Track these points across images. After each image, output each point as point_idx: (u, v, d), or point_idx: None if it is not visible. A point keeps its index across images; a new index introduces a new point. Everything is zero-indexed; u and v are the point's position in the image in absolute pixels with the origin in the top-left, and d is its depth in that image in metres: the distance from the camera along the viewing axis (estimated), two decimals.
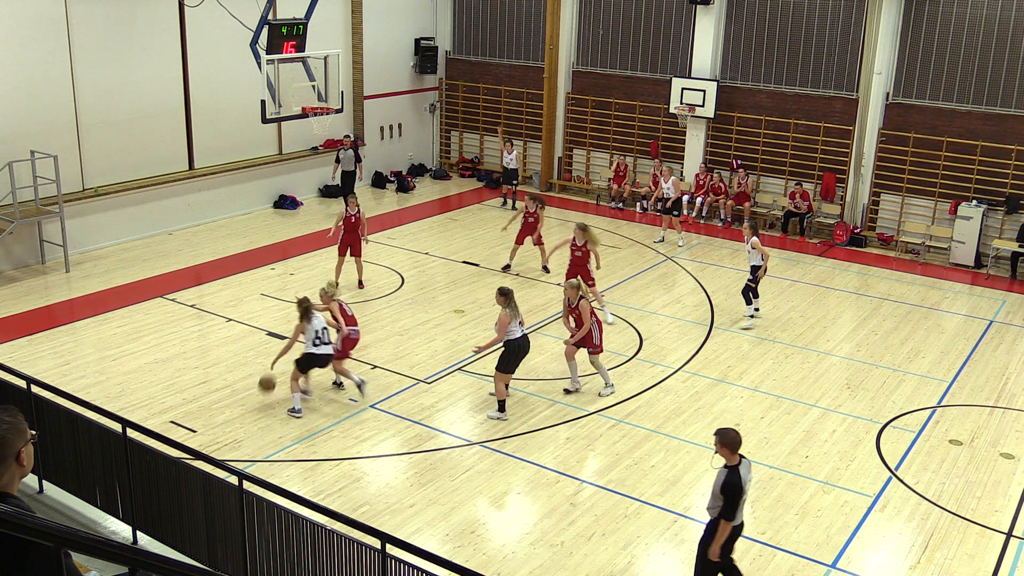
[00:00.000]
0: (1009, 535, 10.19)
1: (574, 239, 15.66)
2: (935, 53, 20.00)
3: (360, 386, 12.65)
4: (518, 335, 12.23)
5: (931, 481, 11.21)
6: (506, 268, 18.21)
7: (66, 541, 3.38)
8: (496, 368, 12.39)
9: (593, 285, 15.59)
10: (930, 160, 20.31)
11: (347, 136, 22.15)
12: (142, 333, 14.79)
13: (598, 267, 15.84)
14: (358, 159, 22.00)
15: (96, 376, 13.20)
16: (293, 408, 12.26)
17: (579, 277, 14.26)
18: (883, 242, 20.93)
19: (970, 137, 19.79)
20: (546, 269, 18.26)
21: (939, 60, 19.98)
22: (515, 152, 22.65)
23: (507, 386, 12.42)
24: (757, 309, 16.04)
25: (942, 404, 13.27)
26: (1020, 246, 18.90)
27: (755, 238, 15.59)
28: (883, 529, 10.24)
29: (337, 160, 21.88)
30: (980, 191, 19.79)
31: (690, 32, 22.66)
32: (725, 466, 8.16)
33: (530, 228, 17.92)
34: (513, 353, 12.23)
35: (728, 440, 8.10)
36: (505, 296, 12.26)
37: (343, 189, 21.66)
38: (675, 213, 20.27)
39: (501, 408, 12.34)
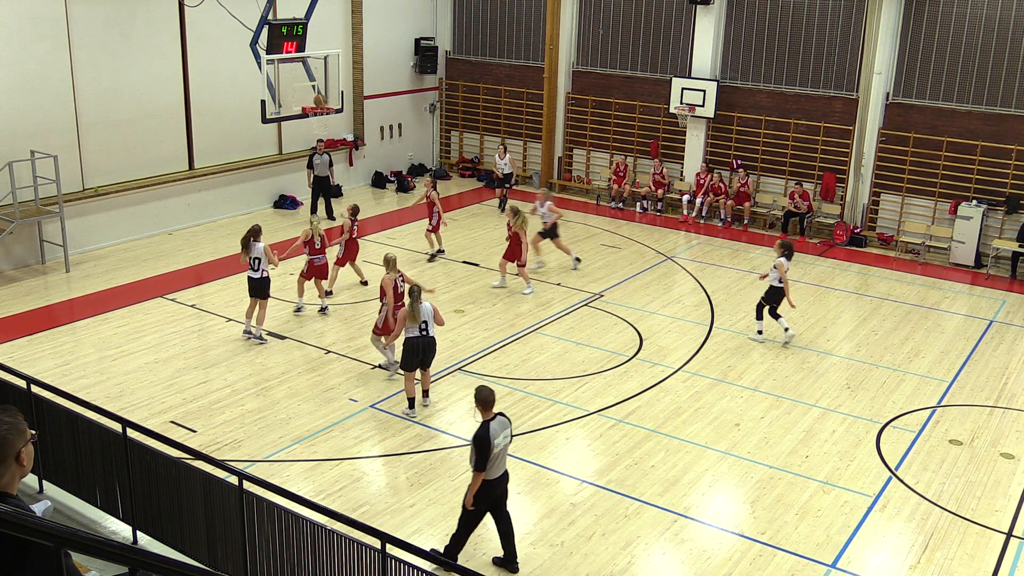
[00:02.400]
0: (1009, 535, 10.19)
1: (508, 223, 17.01)
2: (935, 53, 20.00)
3: (390, 367, 13.16)
4: (415, 335, 12.17)
5: (931, 481, 11.21)
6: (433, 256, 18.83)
7: (66, 541, 3.38)
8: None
9: (523, 265, 17.01)
10: (930, 160, 20.31)
11: (320, 140, 21.91)
12: (142, 333, 14.79)
13: (528, 250, 17.33)
14: (331, 163, 21.48)
15: (96, 376, 13.19)
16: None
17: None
18: (883, 242, 20.93)
19: (970, 137, 19.79)
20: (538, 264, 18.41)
21: (939, 60, 19.98)
22: (508, 156, 22.55)
23: (415, 384, 12.46)
24: (783, 326, 15.21)
25: (942, 404, 13.27)
26: (1020, 246, 18.89)
27: (781, 259, 14.94)
28: (883, 529, 10.24)
29: (310, 165, 21.14)
30: (980, 191, 19.79)
31: (690, 32, 22.66)
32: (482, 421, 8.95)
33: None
34: (409, 352, 12.23)
35: (481, 398, 8.99)
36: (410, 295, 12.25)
37: (317, 195, 21.28)
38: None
39: (410, 406, 12.40)
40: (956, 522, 10.38)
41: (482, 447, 8.74)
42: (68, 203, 17.70)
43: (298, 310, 15.86)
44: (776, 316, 15.23)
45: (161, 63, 19.69)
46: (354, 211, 16.86)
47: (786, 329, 15.12)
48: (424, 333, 12.14)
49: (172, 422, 11.92)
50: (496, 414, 9.02)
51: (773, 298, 15.13)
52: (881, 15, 20.04)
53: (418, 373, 12.38)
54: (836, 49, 21.10)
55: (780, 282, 14.96)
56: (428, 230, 18.96)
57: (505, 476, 9.16)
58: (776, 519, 10.31)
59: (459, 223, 21.80)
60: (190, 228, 20.30)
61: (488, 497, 9.01)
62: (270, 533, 7.64)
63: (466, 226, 21.51)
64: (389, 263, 13.47)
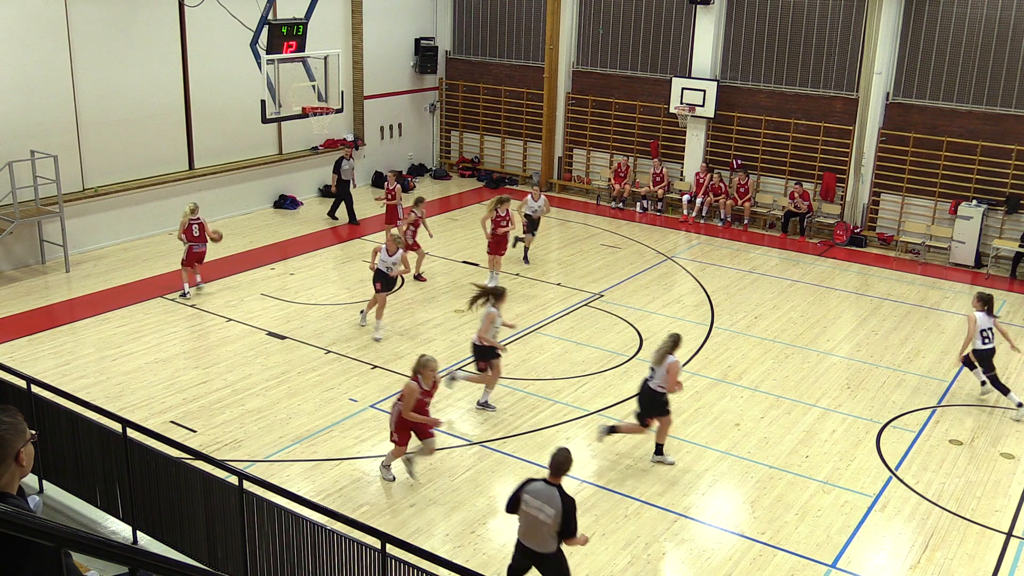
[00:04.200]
0: (1009, 535, 10.19)
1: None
2: (935, 53, 20.00)
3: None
4: None
5: (931, 481, 11.21)
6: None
7: (66, 541, 3.38)
8: None
9: (418, 248, 17.64)
10: (930, 160, 20.30)
11: (346, 145, 21.83)
12: (142, 333, 14.79)
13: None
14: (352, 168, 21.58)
15: (96, 376, 13.19)
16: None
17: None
18: (883, 242, 20.93)
19: (970, 137, 19.78)
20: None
21: (939, 60, 19.98)
22: (543, 198, 19.12)
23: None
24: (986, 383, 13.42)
25: (942, 404, 13.27)
26: (1021, 246, 18.89)
27: (979, 313, 12.96)
28: (883, 529, 10.24)
29: (336, 170, 21.09)
30: (980, 191, 19.79)
31: (690, 32, 22.66)
32: None
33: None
34: None
35: (556, 463, 7.93)
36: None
37: (341, 199, 21.26)
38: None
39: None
40: (956, 522, 10.38)
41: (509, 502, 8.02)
42: (68, 203, 17.70)
43: (183, 295, 16.31)
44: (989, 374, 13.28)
45: (161, 63, 19.69)
46: (418, 202, 17.67)
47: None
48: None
49: (172, 422, 11.92)
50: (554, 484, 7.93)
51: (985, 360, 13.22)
52: (881, 15, 20.04)
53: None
54: (836, 49, 21.10)
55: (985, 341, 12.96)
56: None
57: (526, 549, 8.11)
58: (776, 519, 10.31)
59: (459, 223, 21.81)
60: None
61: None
62: (270, 533, 7.65)
63: (466, 226, 21.50)
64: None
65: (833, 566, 9.53)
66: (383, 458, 10.95)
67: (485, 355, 12.39)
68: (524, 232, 18.77)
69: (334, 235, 20.48)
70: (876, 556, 9.78)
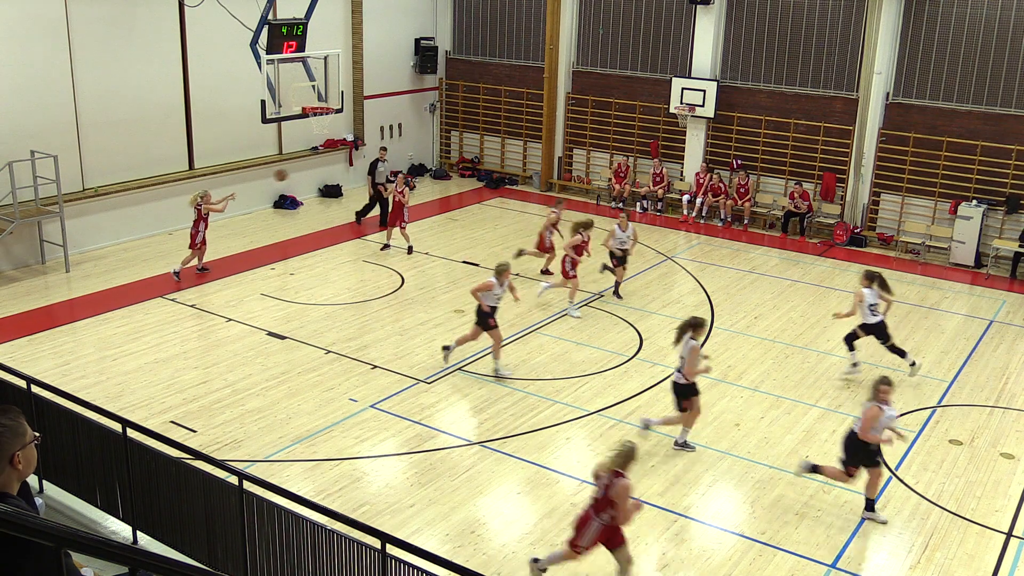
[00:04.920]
0: (1009, 535, 10.19)
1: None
2: (935, 53, 20.00)
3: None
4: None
5: (931, 481, 11.21)
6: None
7: (66, 541, 3.38)
8: None
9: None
10: (930, 160, 20.30)
11: (383, 148, 21.84)
12: (142, 333, 14.79)
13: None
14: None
15: (96, 376, 13.19)
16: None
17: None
18: (883, 242, 20.93)
19: (970, 137, 19.78)
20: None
21: (939, 60, 19.98)
22: (632, 228, 17.15)
23: None
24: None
25: (942, 404, 13.27)
26: (1021, 246, 18.89)
27: (866, 290, 13.65)
28: (883, 529, 10.24)
29: (371, 172, 20.98)
30: (980, 191, 19.79)
31: (690, 32, 22.66)
32: None
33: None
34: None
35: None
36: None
37: (375, 203, 20.93)
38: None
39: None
40: (956, 522, 10.38)
41: None
42: (68, 203, 17.70)
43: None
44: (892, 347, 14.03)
45: (161, 63, 19.69)
46: (559, 202, 18.49)
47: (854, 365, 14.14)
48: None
49: (172, 422, 11.93)
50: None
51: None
52: (881, 15, 20.04)
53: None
54: (836, 49, 21.10)
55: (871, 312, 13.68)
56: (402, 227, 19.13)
57: None
58: (776, 519, 10.31)
59: (459, 223, 21.81)
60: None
61: None
62: (270, 533, 7.64)
63: (466, 226, 21.51)
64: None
65: (833, 566, 9.54)
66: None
67: (687, 393, 11.50)
68: (613, 266, 16.94)
69: (334, 235, 20.46)
70: (876, 556, 9.78)
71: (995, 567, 9.62)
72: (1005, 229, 19.57)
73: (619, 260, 16.91)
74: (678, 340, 11.49)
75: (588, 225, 16.35)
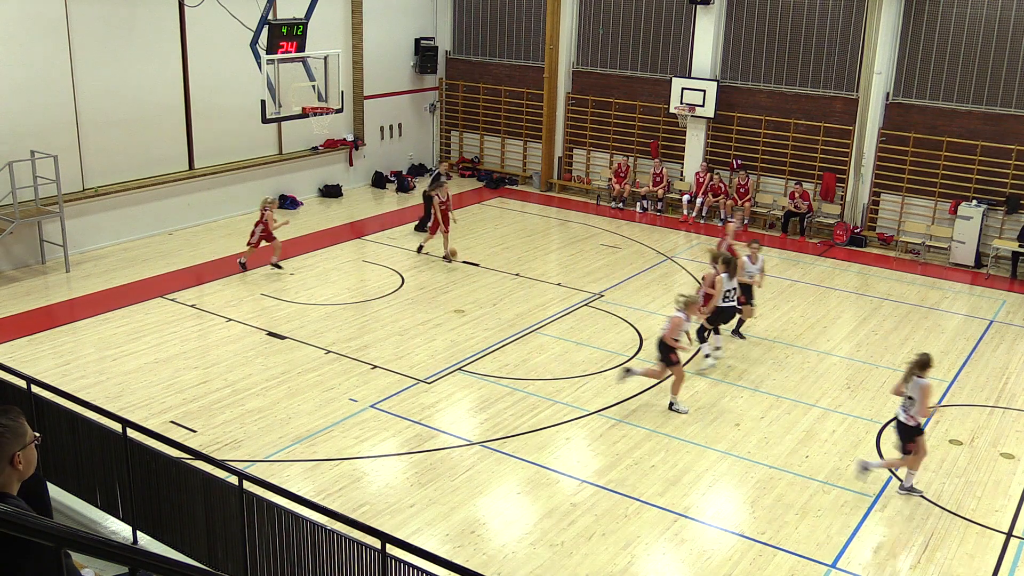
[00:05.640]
0: (1009, 535, 10.19)
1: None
2: (935, 53, 20.00)
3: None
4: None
5: (931, 481, 11.21)
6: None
7: (66, 541, 3.38)
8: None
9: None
10: (930, 160, 20.30)
11: (445, 159, 21.73)
12: (142, 333, 14.79)
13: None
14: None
15: (96, 376, 13.19)
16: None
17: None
18: (883, 242, 20.93)
19: (970, 137, 19.78)
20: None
21: (939, 60, 19.98)
22: (761, 260, 15.45)
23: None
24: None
25: (942, 404, 13.26)
26: (1020, 246, 18.89)
27: (724, 275, 14.05)
28: (883, 529, 10.24)
29: (433, 185, 19.59)
30: (980, 191, 19.79)
31: (690, 32, 22.66)
32: None
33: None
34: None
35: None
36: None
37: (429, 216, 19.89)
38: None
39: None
40: (956, 522, 10.38)
41: None
42: (68, 203, 17.70)
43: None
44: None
45: (161, 63, 19.69)
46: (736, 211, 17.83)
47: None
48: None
49: (172, 422, 11.93)
50: None
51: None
52: (881, 15, 20.04)
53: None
54: (836, 49, 21.10)
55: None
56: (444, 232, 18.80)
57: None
58: (776, 519, 10.31)
59: (459, 223, 21.80)
60: (190, 228, 20.30)
61: None
62: (270, 533, 7.64)
63: (467, 227, 21.50)
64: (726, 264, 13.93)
65: (833, 566, 9.53)
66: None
67: (913, 434, 10.76)
68: (741, 302, 14.82)
69: (334, 235, 20.45)
70: (876, 556, 9.78)
71: (995, 567, 9.62)
72: (1005, 229, 19.56)
73: (746, 296, 15.01)
74: (907, 379, 10.71)
75: (726, 261, 14.28)
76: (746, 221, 18.27)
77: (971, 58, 19.60)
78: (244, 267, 17.66)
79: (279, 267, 17.77)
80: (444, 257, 18.64)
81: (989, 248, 19.45)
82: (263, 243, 17.62)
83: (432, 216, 19.04)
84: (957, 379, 14.08)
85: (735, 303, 14.40)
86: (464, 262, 18.73)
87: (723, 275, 14.12)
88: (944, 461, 11.69)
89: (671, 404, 12.77)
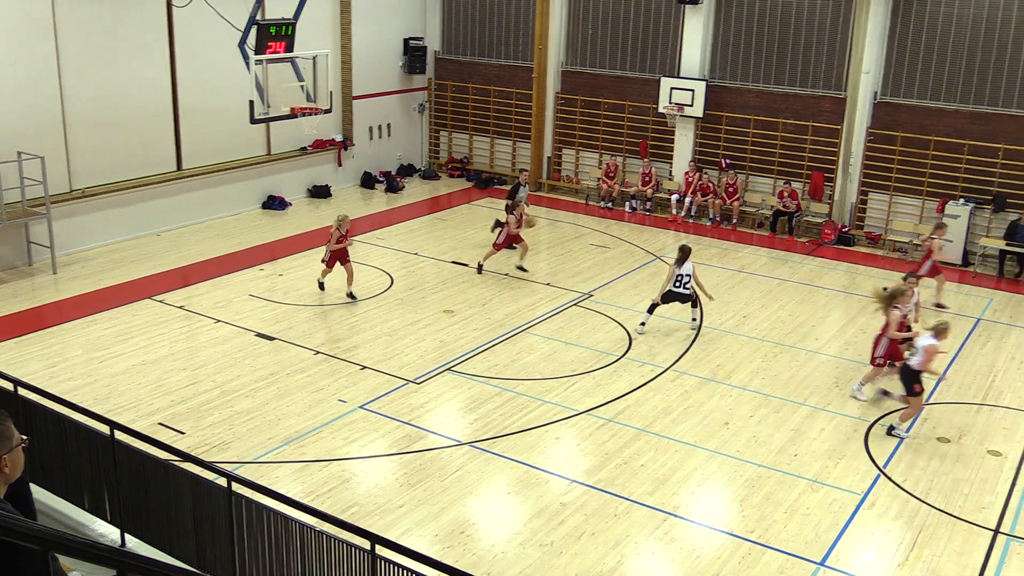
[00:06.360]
0: (996, 532, 10.24)
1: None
2: (923, 52, 20.08)
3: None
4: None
5: (919, 479, 11.26)
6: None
7: (53, 544, 3.37)
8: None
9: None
10: (918, 159, 20.39)
11: (524, 171, 21.34)
12: (130, 335, 14.74)
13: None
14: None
15: (84, 378, 13.14)
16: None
17: None
18: (871, 241, 21.00)
19: (958, 136, 19.87)
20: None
21: (927, 59, 20.06)
22: (917, 295, 14.50)
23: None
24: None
25: (930, 402, 13.31)
26: (1007, 244, 18.99)
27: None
28: (871, 527, 10.28)
29: (512, 197, 19.48)
30: (967, 190, 19.88)
31: (679, 32, 22.70)
32: None
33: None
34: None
35: None
36: None
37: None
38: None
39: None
40: (944, 519, 10.43)
41: None
42: (55, 204, 17.63)
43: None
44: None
45: (149, 63, 19.62)
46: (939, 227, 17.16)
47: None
48: None
49: (160, 424, 11.89)
50: None
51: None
52: (869, 14, 20.11)
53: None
54: (824, 48, 21.16)
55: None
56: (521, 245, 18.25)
57: None
58: (765, 517, 10.34)
59: (448, 223, 21.81)
60: (178, 229, 20.23)
61: None
62: (259, 535, 7.63)
63: (455, 226, 21.52)
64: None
65: (822, 564, 9.57)
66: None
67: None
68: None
69: (323, 236, 20.36)
70: (865, 554, 9.82)
71: (983, 564, 9.67)
72: (992, 228, 19.66)
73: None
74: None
75: (900, 294, 13.43)
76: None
77: (958, 57, 19.69)
78: (322, 287, 16.74)
79: (353, 297, 16.47)
80: (519, 267, 18.28)
81: (976, 247, 19.55)
82: (337, 264, 16.44)
83: (504, 230, 18.15)
84: (944, 377, 14.12)
85: (681, 291, 15.38)
86: (453, 262, 18.73)
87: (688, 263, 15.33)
88: (932, 459, 11.74)
89: (892, 428, 12.36)
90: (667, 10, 22.83)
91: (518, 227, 18.10)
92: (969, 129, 19.74)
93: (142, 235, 19.63)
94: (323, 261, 16.53)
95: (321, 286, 16.74)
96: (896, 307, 13.08)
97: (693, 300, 15.70)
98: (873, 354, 13.37)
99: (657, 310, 15.55)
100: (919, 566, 9.59)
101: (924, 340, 12.31)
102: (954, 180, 20.00)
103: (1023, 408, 13.18)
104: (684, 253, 15.46)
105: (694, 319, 15.84)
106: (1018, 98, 19.22)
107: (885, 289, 13.76)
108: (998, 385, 13.98)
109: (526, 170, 22.00)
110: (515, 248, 18.36)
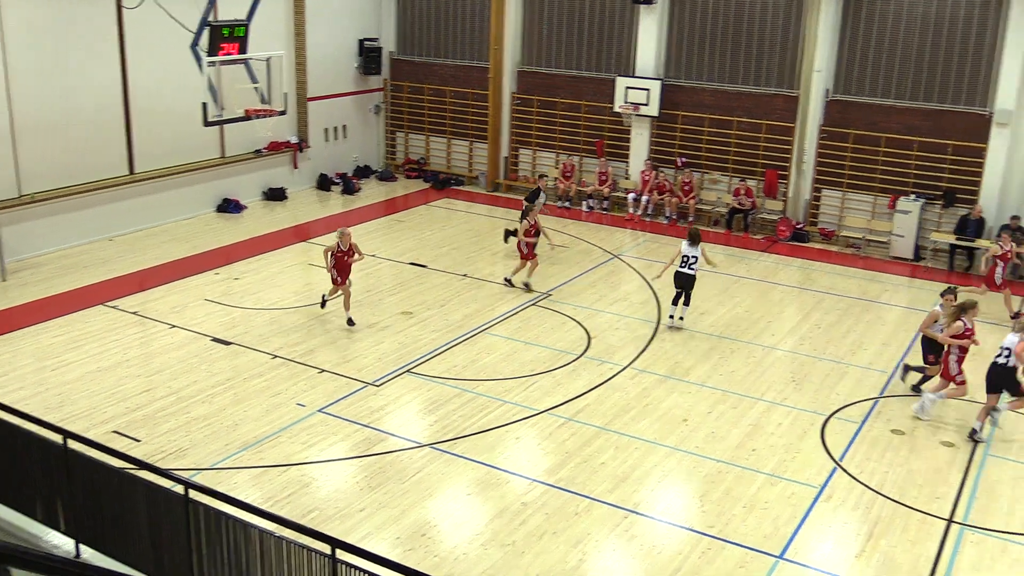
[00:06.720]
0: (950, 521, 10.42)
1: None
2: (873, 50, 20.38)
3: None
4: None
5: (874, 471, 11.43)
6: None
7: (6, 558, 3.31)
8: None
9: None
10: (870, 156, 20.69)
11: (543, 176, 21.14)
12: (83, 342, 14.50)
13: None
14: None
15: (35, 387, 12.91)
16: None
17: None
18: (825, 237, 21.28)
19: (908, 133, 20.20)
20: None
21: (877, 57, 20.37)
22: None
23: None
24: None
25: (884, 395, 13.53)
26: (958, 238, 19.34)
27: (684, 242, 15.72)
28: (829, 519, 10.41)
29: (532, 201, 19.00)
30: (918, 185, 20.21)
31: (633, 32, 22.82)
32: None
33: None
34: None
35: None
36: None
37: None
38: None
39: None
40: (899, 510, 10.59)
41: None
42: (4, 210, 17.31)
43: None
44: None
45: (99, 66, 19.30)
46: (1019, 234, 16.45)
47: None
48: None
49: (115, 432, 11.71)
50: None
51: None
52: (821, 13, 20.36)
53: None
54: (777, 47, 21.40)
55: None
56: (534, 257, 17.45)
57: None
58: (724, 512, 10.43)
59: (405, 224, 21.74)
60: (131, 234, 19.94)
61: None
62: (217, 542, 7.54)
63: (413, 227, 21.45)
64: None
65: (781, 557, 9.67)
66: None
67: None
68: (931, 362, 13.51)
69: (279, 239, 20.24)
70: (822, 546, 9.95)
71: (937, 553, 9.84)
72: (942, 222, 20.01)
73: (936, 354, 13.33)
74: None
75: (971, 308, 12.95)
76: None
77: (909, 55, 20.01)
78: (324, 303, 15.68)
79: (353, 323, 15.34)
80: (523, 284, 17.42)
81: (927, 241, 19.89)
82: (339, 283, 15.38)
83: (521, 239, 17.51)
84: (898, 370, 14.34)
85: (686, 271, 15.59)
86: (411, 263, 18.66)
87: (684, 242, 15.72)
88: (887, 451, 11.92)
89: (974, 432, 12.31)
90: (622, 10, 22.94)
91: (533, 236, 17.28)
92: (919, 126, 20.07)
93: (94, 240, 19.31)
94: (333, 280, 15.33)
95: (323, 303, 15.64)
96: (961, 319, 12.66)
97: (686, 297, 15.77)
98: (951, 376, 12.75)
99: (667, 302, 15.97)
100: (875, 557, 9.73)
101: (1012, 339, 12.22)
102: (905, 176, 20.32)
103: (975, 400, 13.42)
104: (693, 236, 15.65)
105: (681, 318, 15.80)
106: (967, 95, 19.59)
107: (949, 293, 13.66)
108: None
109: (545, 176, 21.65)
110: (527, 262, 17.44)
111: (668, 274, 15.97)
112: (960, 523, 10.42)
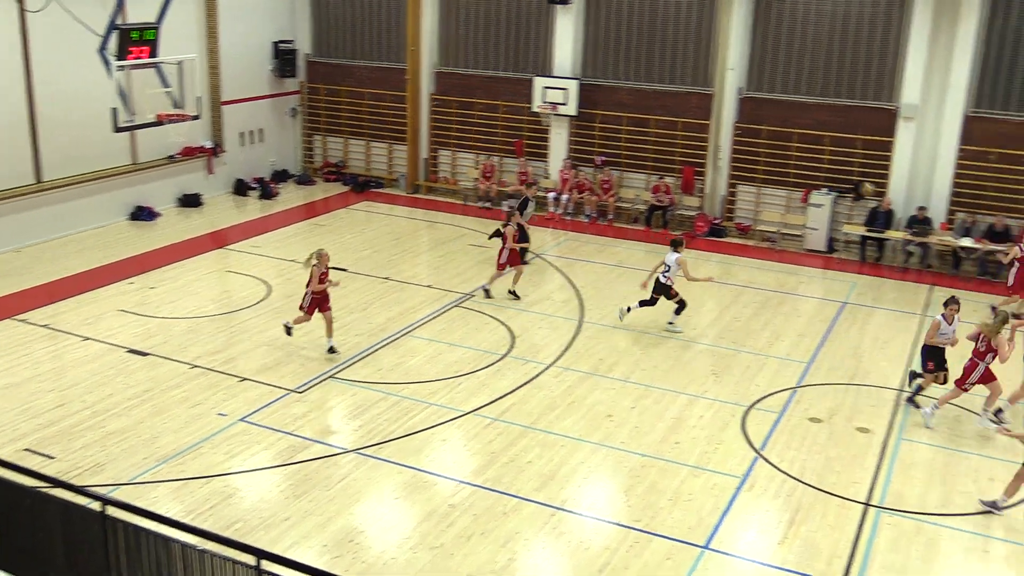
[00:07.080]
0: (867, 505, 10.72)
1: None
2: (784, 48, 20.86)
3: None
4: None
5: (794, 459, 11.69)
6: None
7: None
8: None
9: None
10: (783, 151, 21.16)
11: (532, 184, 20.74)
12: None
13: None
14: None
15: None
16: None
17: None
18: (741, 231, 21.69)
19: (819, 128, 20.72)
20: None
21: (788, 55, 20.85)
22: (956, 322, 13.17)
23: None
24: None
25: (802, 384, 13.85)
26: (868, 230, 19.90)
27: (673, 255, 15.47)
28: (751, 508, 10.62)
29: (521, 210, 18.26)
30: (830, 179, 20.74)
31: (550, 32, 22.94)
32: None
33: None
34: None
35: None
36: None
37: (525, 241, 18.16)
38: None
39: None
40: (819, 496, 10.85)
41: None
42: None
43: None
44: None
45: (1, 72, 18.66)
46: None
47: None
48: None
49: (27, 450, 11.33)
50: None
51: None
52: (733, 12, 20.75)
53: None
54: (691, 46, 21.74)
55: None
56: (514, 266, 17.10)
57: None
58: (650, 506, 10.55)
59: (325, 228, 21.51)
60: (40, 244, 19.31)
61: None
62: (138, 559, 7.36)
63: (333, 231, 21.23)
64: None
65: (706, 547, 9.83)
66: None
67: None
68: (931, 369, 13.23)
69: (195, 246, 19.82)
70: (746, 534, 10.14)
71: (855, 536, 10.11)
72: (853, 215, 20.58)
73: (936, 361, 13.16)
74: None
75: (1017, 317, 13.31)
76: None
77: (819, 52, 20.53)
78: (289, 331, 14.49)
79: (335, 351, 14.34)
80: (511, 292, 17.06)
81: (839, 234, 20.44)
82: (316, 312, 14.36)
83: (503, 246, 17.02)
84: (815, 360, 14.71)
85: (665, 282, 15.51)
86: (333, 267, 18.42)
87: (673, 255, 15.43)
88: (805, 439, 12.21)
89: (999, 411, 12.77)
90: (538, 10, 23.05)
91: (514, 241, 16.95)
92: (830, 121, 20.61)
93: (1, 252, 18.65)
94: (301, 308, 14.35)
95: (288, 331, 14.48)
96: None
97: (679, 305, 15.60)
98: (965, 380, 12.61)
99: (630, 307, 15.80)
100: (797, 543, 9.96)
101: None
102: (817, 171, 20.84)
103: (887, 386, 13.83)
104: (672, 243, 15.54)
105: (673, 323, 15.65)
106: (874, 90, 20.18)
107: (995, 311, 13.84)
108: (864, 365, 14.63)
109: (535, 184, 21.46)
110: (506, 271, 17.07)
111: (653, 282, 15.71)
112: (877, 506, 10.72)
